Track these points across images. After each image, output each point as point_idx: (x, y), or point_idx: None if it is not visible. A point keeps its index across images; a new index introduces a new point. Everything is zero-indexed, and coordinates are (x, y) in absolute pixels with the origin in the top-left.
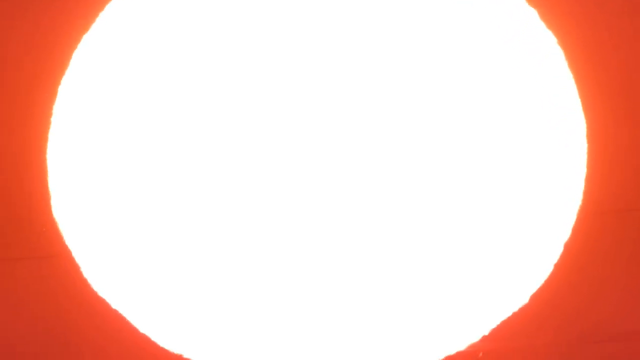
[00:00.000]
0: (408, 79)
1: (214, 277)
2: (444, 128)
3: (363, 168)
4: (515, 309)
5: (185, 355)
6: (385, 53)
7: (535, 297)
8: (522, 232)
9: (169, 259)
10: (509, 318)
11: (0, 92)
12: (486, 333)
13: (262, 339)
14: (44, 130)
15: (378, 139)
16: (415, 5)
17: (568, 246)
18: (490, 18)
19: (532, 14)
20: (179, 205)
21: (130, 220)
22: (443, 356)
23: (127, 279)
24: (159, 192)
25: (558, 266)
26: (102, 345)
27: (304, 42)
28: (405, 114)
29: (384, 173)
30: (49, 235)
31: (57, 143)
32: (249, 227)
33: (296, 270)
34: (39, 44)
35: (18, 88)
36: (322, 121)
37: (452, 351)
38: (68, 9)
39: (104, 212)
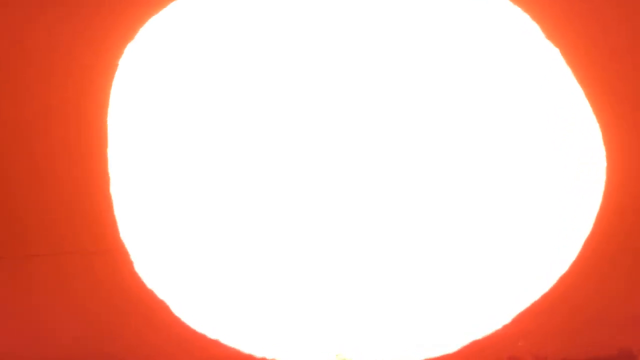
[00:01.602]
0: (418, 93)
1: (251, 277)
2: (470, 137)
3: (410, 158)
4: (540, 295)
5: (222, 341)
6: (394, 62)
7: (556, 285)
8: (546, 230)
9: (211, 255)
10: (534, 302)
11: (57, 95)
12: (516, 314)
13: (292, 326)
14: (101, 129)
15: (406, 140)
16: (423, 20)
17: (588, 241)
18: (495, 33)
19: (535, 28)
20: (225, 207)
21: (180, 218)
22: (474, 338)
23: (174, 273)
24: (207, 193)
25: (578, 258)
26: (147, 332)
27: (322, 57)
28: (425, 120)
29: (421, 164)
30: (102, 231)
31: (115, 144)
32: (285, 227)
33: (330, 260)
34: (93, 42)
35: (74, 87)
36: (344, 131)
37: (486, 332)
38: (117, 13)
39: (158, 212)
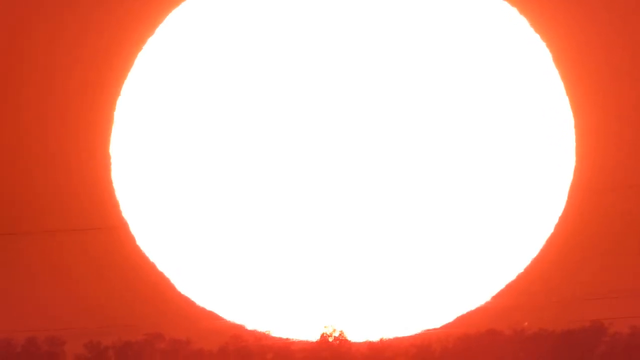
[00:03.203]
0: (410, 86)
1: (246, 254)
2: (453, 124)
3: (388, 157)
4: (517, 273)
5: (217, 312)
6: (386, 59)
7: (534, 263)
8: (522, 210)
9: (209, 233)
10: (513, 281)
11: (70, 86)
12: (493, 294)
13: (283, 300)
14: (107, 116)
15: (390, 135)
16: (415, 18)
17: (563, 219)
18: (484, 26)
19: (523, 22)
20: (222, 188)
21: (179, 198)
22: (460, 313)
23: (175, 249)
24: (205, 176)
25: (553, 237)
26: (148, 303)
27: (316, 63)
28: (408, 112)
29: (403, 153)
30: (107, 209)
31: (120, 131)
32: (283, 213)
33: (322, 251)
34: (105, 48)
35: (86, 82)
36: (335, 132)
37: (471, 307)
38: (127, 23)
39: (160, 192)
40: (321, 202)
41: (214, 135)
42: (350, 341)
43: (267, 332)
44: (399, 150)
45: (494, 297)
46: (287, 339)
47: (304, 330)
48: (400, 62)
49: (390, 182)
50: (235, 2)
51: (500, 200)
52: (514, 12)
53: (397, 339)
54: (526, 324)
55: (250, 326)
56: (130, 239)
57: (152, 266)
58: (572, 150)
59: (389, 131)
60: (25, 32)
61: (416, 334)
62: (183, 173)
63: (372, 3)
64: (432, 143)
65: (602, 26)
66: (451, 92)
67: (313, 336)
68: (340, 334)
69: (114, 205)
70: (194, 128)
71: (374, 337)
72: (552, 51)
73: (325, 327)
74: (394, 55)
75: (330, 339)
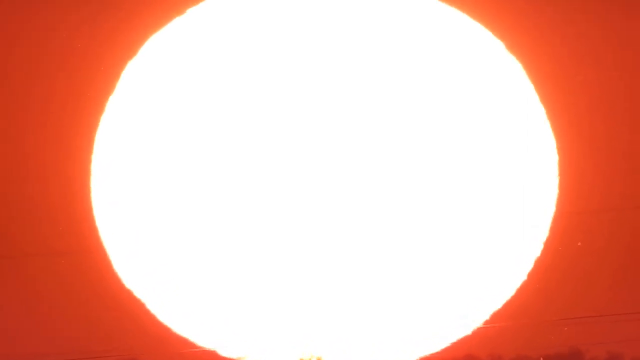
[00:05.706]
0: (396, 103)
1: (227, 280)
2: (429, 148)
3: (363, 173)
4: (506, 298)
5: (193, 339)
6: (368, 73)
7: (522, 288)
8: (507, 236)
9: (187, 258)
10: (504, 304)
11: (52, 101)
12: (486, 318)
13: (259, 326)
14: (87, 137)
15: (373, 143)
16: (399, 40)
17: (547, 243)
18: (459, 49)
19: (499, 45)
20: (200, 213)
21: (160, 221)
22: (454, 340)
23: (152, 273)
24: (189, 200)
25: (539, 260)
26: (123, 328)
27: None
28: (396, 128)
29: (385, 173)
30: (83, 232)
31: (100, 152)
32: (269, 229)
33: (303, 268)
34: (85, 71)
35: (68, 99)
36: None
37: (460, 335)
38: (116, 35)
39: (139, 215)
40: (299, 223)
41: (194, 161)
42: None
43: (243, 358)
44: (379, 174)
45: (488, 322)
46: None
47: (281, 355)
48: (371, 86)
49: (366, 206)
50: (229, 16)
51: (485, 228)
52: (489, 35)
53: None
54: (541, 359)
55: (226, 352)
56: (107, 264)
57: (128, 292)
58: (555, 174)
59: (371, 149)
60: (8, 35)
61: None
62: (162, 198)
63: (352, 14)
64: (403, 170)
65: (578, 52)
66: (426, 117)
67: None
68: None
69: (91, 228)
70: (175, 153)
71: None
72: (529, 75)
73: (303, 352)
74: (368, 73)
75: None
